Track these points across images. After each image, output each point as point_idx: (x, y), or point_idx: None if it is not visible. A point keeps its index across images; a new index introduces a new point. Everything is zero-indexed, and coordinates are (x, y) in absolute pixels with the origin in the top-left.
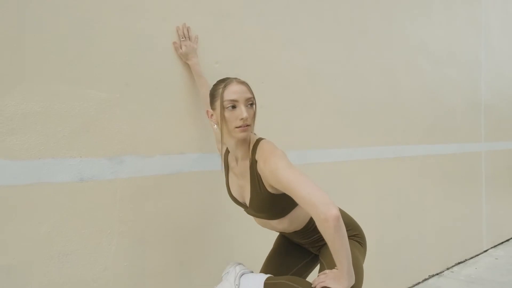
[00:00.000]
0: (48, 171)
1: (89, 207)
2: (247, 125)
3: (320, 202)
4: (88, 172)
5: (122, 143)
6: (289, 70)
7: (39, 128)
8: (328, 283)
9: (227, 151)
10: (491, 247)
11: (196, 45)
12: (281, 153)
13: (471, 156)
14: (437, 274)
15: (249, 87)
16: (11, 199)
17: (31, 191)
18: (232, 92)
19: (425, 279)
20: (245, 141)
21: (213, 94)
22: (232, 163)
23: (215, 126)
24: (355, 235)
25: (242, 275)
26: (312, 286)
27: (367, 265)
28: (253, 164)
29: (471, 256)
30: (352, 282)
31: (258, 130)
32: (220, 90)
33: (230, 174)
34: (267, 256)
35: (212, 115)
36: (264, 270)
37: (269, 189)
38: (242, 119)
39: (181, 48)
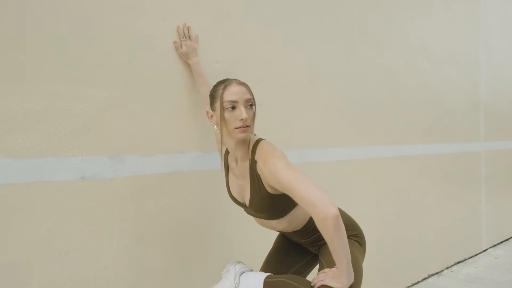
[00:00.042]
0: (50, 169)
1: (90, 205)
2: (247, 126)
3: (319, 201)
4: (89, 171)
5: (123, 142)
6: (289, 70)
7: (40, 127)
8: (327, 281)
9: (227, 152)
10: (491, 247)
11: (196, 44)
12: (281, 153)
13: (470, 155)
14: (436, 273)
15: (249, 88)
16: (12, 197)
17: (32, 190)
18: (231, 93)
19: (425, 278)
20: (244, 142)
21: (213, 95)
22: (232, 163)
23: (215, 127)
24: (355, 235)
25: (242, 273)
26: (312, 284)
27: (367, 264)
28: (253, 164)
29: (471, 255)
30: (351, 280)
31: (258, 129)
32: (220, 91)
33: (230, 174)
34: (267, 255)
35: (212, 116)
36: (264, 269)
37: (269, 190)
38: (241, 120)
39: (181, 47)
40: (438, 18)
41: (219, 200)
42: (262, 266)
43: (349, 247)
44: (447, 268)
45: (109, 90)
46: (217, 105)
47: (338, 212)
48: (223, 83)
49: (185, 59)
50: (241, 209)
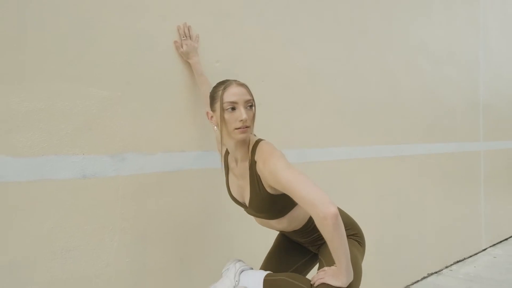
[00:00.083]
0: (51, 168)
1: (92, 203)
2: (247, 127)
3: (318, 201)
4: (91, 169)
5: (124, 141)
6: (289, 69)
7: (42, 126)
8: (327, 279)
9: (227, 152)
10: (490, 246)
11: (197, 44)
12: (280, 153)
13: (470, 155)
14: (436, 272)
15: (249, 89)
16: (14, 195)
17: (34, 188)
18: (231, 94)
19: (424, 277)
20: (244, 142)
21: (213, 96)
22: (232, 163)
23: (215, 127)
24: (354, 234)
25: (242, 271)
26: (311, 282)
27: (367, 263)
28: (253, 165)
29: (470, 254)
30: (351, 279)
31: (258, 128)
32: (220, 92)
33: (230, 174)
34: (267, 254)
35: (212, 116)
36: (263, 268)
37: (268, 190)
38: (241, 120)
39: (182, 47)
40: (438, 18)
41: (219, 199)
42: (262, 265)
43: (349, 246)
44: (446, 267)
45: (110, 89)
46: (217, 106)
47: (337, 212)
48: (223, 84)
49: (186, 58)
50: (241, 208)
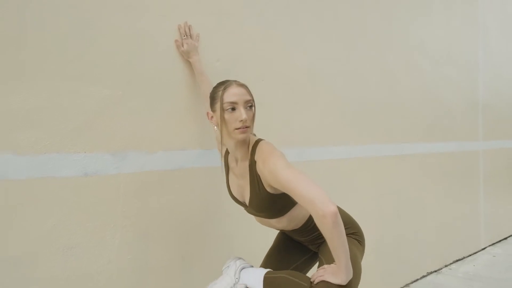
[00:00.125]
0: (53, 165)
1: (93, 201)
2: (247, 127)
3: (318, 199)
4: (92, 167)
5: (125, 139)
6: (289, 69)
7: (44, 124)
8: (326, 277)
9: (227, 152)
10: (489, 245)
11: (197, 43)
12: (280, 153)
13: (469, 154)
14: (435, 271)
15: (249, 89)
16: (17, 193)
17: (36, 185)
18: (231, 94)
19: (424, 276)
20: (244, 142)
21: (213, 97)
22: (232, 163)
23: (215, 127)
24: (354, 233)
25: (242, 269)
26: (311, 280)
27: (366, 262)
28: (253, 164)
29: (469, 253)
30: (350, 276)
31: (259, 127)
32: (220, 93)
33: (230, 174)
34: (267, 253)
35: (212, 117)
36: (263, 266)
37: (268, 189)
38: (241, 120)
39: (182, 46)
40: (438, 18)
41: (220, 198)
42: (262, 263)
43: (348, 244)
44: (446, 266)
45: (111, 88)
46: (217, 106)
47: (337, 210)
48: (223, 85)
49: (186, 57)
50: (242, 207)
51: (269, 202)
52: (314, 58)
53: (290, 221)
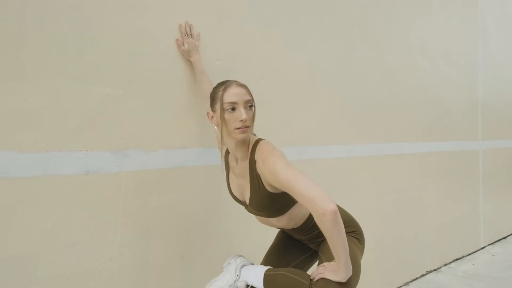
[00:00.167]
0: (55, 163)
1: (95, 199)
2: (246, 127)
3: (318, 197)
4: (94, 165)
5: (126, 138)
6: (289, 68)
7: (45, 122)
8: (326, 274)
9: (227, 151)
10: (489, 244)
11: (198, 42)
12: (280, 153)
13: (468, 154)
14: (435, 270)
15: (248, 89)
16: (18, 190)
17: (38, 183)
18: (231, 94)
19: (423, 275)
20: (244, 142)
21: (213, 97)
22: (232, 163)
23: (216, 127)
24: (353, 232)
25: (243, 266)
26: (311, 277)
27: (366, 260)
28: (253, 164)
29: (469, 253)
30: (350, 274)
31: (259, 126)
32: (220, 93)
33: (231, 173)
34: (267, 251)
35: (212, 117)
36: (264, 264)
37: (268, 188)
38: (241, 120)
39: (183, 45)
40: (438, 18)
41: (220, 196)
42: (262, 261)
43: (348, 243)
44: (445, 265)
45: (112, 87)
46: (217, 106)
47: (336, 208)
48: (223, 85)
49: (187, 56)
50: (242, 206)
51: (269, 201)
52: (314, 58)
53: (290, 220)
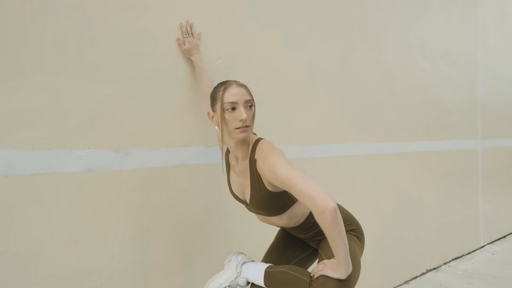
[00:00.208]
0: (57, 161)
1: (96, 197)
2: (247, 126)
3: (317, 195)
4: (96, 163)
5: (128, 136)
6: (289, 67)
7: (48, 120)
8: (326, 271)
9: (228, 151)
10: (488, 243)
11: (199, 41)
12: (280, 152)
13: (468, 153)
14: (434, 268)
15: (248, 89)
16: (21, 188)
17: (40, 181)
18: (231, 94)
19: (423, 273)
20: (244, 142)
21: (213, 97)
22: (232, 162)
23: (216, 127)
24: (353, 230)
25: (244, 263)
26: (311, 275)
27: (366, 259)
28: (253, 163)
29: (468, 251)
30: (349, 271)
31: (259, 125)
32: (220, 93)
33: (231, 172)
34: (268, 249)
35: (213, 116)
36: (264, 261)
37: (269, 187)
38: (241, 120)
39: (184, 44)
40: (437, 18)
41: (221, 195)
42: (263, 259)
43: (348, 241)
44: (445, 263)
45: (114, 86)
46: (218, 106)
47: (336, 206)
48: (223, 85)
49: (188, 55)
50: (243, 205)
51: (270, 200)
52: (314, 58)
53: (290, 218)
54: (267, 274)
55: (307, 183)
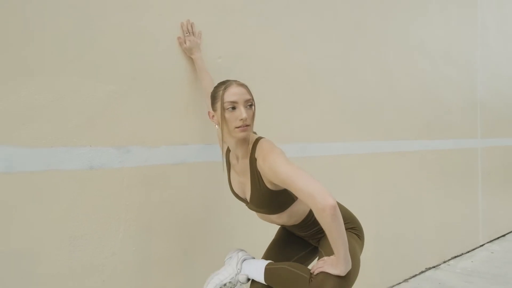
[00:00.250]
0: (59, 159)
1: (98, 194)
2: (247, 125)
3: (317, 192)
4: (97, 161)
5: (129, 134)
6: (289, 67)
7: (50, 118)
8: (326, 268)
9: (228, 150)
10: (487, 242)
11: (199, 40)
12: (279, 150)
13: (468, 152)
14: (434, 267)
15: (248, 89)
16: (22, 185)
17: (42, 178)
18: (232, 94)
19: (422, 272)
20: (245, 141)
21: (214, 96)
22: (233, 161)
23: (216, 126)
24: (353, 228)
25: (244, 260)
26: (311, 271)
27: (366, 257)
28: (253, 162)
29: (468, 250)
30: (349, 267)
31: (260, 124)
32: (221, 92)
33: (232, 171)
34: (268, 246)
35: (213, 116)
36: (264, 258)
37: (269, 186)
38: (241, 119)
39: (185, 43)
40: (437, 18)
41: (221, 193)
42: (263, 256)
43: (348, 238)
44: (444, 262)
45: (115, 84)
46: (218, 105)
47: (335, 203)
48: (224, 84)
49: (189, 54)
50: (243, 203)
51: (270, 198)
52: (314, 58)
53: (290, 216)
54: (268, 271)
55: (307, 181)
